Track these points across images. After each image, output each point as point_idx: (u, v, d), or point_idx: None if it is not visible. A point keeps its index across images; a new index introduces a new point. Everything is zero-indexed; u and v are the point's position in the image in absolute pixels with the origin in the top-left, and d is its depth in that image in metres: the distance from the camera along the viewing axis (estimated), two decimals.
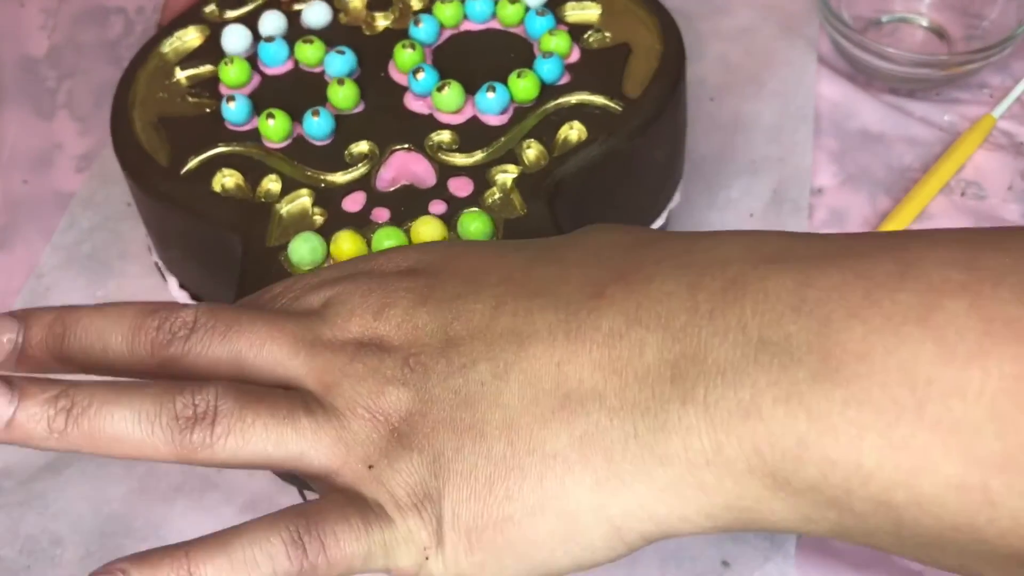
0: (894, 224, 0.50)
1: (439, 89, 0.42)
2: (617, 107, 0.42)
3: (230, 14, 0.47)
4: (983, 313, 0.25)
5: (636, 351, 0.27)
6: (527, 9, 0.45)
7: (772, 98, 0.57)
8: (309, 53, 0.44)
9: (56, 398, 0.27)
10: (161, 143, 0.43)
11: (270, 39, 0.44)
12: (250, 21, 0.47)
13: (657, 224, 0.46)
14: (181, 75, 0.45)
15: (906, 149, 0.55)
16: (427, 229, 0.37)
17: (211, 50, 0.46)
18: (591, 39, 0.45)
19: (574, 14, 0.46)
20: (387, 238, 0.37)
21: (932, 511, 0.25)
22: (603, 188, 0.42)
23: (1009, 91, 0.55)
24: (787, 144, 0.55)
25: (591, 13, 0.46)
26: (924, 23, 0.58)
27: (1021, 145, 0.54)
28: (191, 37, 0.47)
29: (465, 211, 0.38)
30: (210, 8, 0.48)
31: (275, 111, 0.42)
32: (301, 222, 0.40)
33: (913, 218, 0.51)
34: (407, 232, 0.38)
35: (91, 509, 0.45)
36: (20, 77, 0.62)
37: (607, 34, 0.45)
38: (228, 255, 0.40)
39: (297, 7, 0.47)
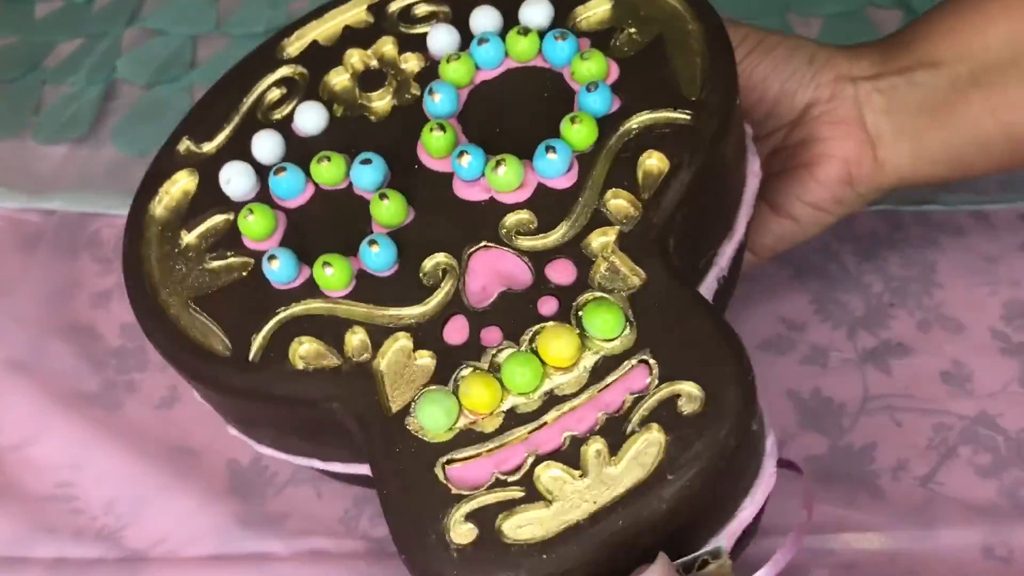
0: None
1: (494, 169, 0.35)
2: (685, 116, 0.36)
3: (208, 147, 0.39)
4: None
5: None
6: (542, 36, 0.38)
7: None
8: (330, 173, 0.37)
9: None
10: (208, 328, 0.35)
11: (280, 170, 0.36)
12: (237, 148, 0.39)
13: (736, 240, 0.39)
14: (190, 237, 0.37)
15: None
16: (558, 343, 0.31)
17: (209, 195, 0.38)
18: (621, 45, 0.38)
19: (586, 18, 0.39)
20: (518, 368, 0.31)
21: None
22: (703, 212, 0.36)
23: None
24: None
25: (602, 10, 0.39)
26: None
27: None
28: (179, 187, 0.39)
29: (585, 302, 0.33)
30: (184, 146, 0.39)
31: (330, 257, 0.34)
32: (406, 371, 0.33)
33: None
34: (534, 351, 0.32)
35: None
36: None
37: (633, 31, 0.38)
38: (329, 422, 0.34)
39: (278, 115, 0.39)
